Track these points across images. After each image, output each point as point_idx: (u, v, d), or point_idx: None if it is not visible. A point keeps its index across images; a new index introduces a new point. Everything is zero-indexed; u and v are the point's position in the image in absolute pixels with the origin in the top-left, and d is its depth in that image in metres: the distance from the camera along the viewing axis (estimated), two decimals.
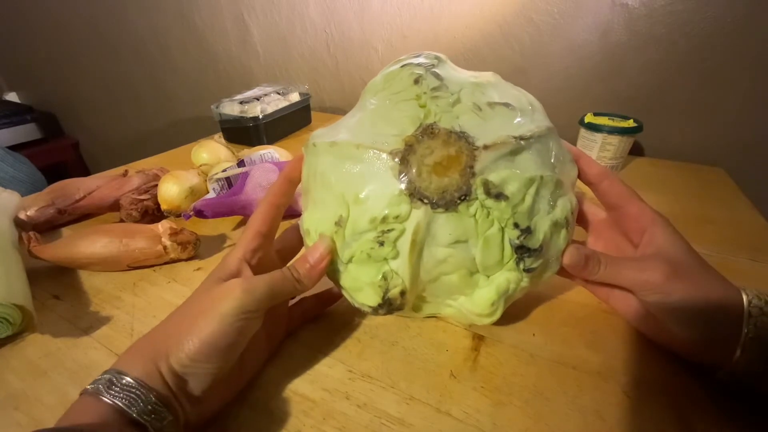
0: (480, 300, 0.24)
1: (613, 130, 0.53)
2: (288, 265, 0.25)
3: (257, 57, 1.00)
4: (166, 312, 0.32)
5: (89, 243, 0.35)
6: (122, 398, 0.18)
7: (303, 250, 0.26)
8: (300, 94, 0.79)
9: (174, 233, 0.36)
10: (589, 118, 0.56)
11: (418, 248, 0.22)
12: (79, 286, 0.35)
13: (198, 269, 0.37)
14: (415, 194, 0.22)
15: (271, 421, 0.23)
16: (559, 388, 0.25)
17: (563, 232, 0.24)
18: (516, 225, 0.22)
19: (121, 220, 0.44)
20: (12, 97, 1.69)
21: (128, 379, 0.18)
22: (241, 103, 0.70)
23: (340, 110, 0.95)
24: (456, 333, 0.29)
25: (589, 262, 0.24)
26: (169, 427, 0.19)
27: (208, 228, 0.44)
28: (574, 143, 0.58)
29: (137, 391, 0.18)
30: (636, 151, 0.65)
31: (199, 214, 0.40)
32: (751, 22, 0.53)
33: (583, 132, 0.56)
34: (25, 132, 1.48)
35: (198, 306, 0.22)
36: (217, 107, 0.70)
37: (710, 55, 0.57)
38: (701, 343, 0.24)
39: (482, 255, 0.23)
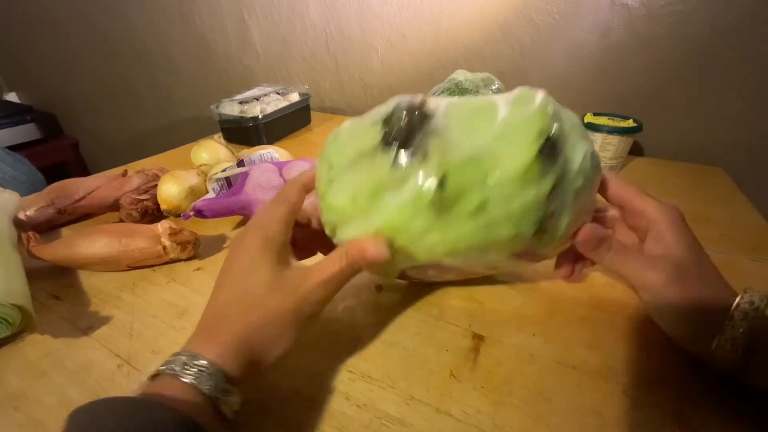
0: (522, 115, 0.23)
1: (612, 130, 0.53)
2: (339, 252, 0.23)
3: (257, 57, 1.00)
4: (166, 312, 0.32)
5: (89, 243, 0.35)
6: (197, 377, 0.19)
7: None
8: (300, 94, 0.79)
9: (174, 233, 0.36)
10: (588, 118, 0.56)
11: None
12: (78, 286, 0.35)
13: (198, 269, 0.37)
14: None
15: (271, 421, 0.23)
16: (559, 388, 0.25)
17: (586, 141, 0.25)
18: None
19: (121, 220, 0.44)
20: (12, 97, 1.69)
21: (203, 361, 0.19)
22: (240, 103, 0.70)
23: (339, 110, 0.95)
24: (456, 333, 0.29)
25: (602, 243, 0.25)
26: (236, 405, 0.20)
27: (208, 228, 0.44)
28: None
29: (209, 371, 0.19)
30: (636, 151, 0.65)
31: (199, 214, 0.40)
32: (751, 22, 0.53)
33: None
34: (25, 132, 1.48)
35: (276, 297, 0.22)
36: (216, 107, 0.70)
37: (710, 56, 0.57)
38: (685, 340, 0.25)
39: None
